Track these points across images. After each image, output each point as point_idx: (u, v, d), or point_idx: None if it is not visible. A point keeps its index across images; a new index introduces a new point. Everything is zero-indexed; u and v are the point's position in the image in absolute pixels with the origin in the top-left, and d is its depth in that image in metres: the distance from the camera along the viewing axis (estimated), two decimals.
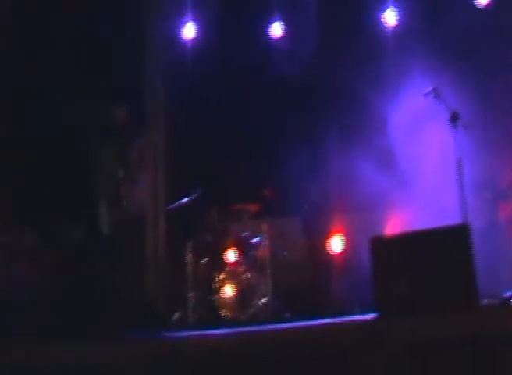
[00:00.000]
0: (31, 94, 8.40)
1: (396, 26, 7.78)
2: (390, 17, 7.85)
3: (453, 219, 5.23)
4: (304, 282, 7.20)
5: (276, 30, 8.58)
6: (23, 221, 6.84)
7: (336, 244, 7.11)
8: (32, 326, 4.80)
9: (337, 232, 7.09)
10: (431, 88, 5.74)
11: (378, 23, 7.85)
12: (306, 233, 7.32)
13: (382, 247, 4.84)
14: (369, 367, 3.71)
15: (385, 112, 6.95)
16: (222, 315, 6.39)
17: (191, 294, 6.62)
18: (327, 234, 7.06)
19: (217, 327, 5.86)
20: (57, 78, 8.65)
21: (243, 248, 6.83)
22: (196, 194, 7.00)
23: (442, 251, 4.51)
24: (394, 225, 6.61)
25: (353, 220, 7.14)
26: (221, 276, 6.57)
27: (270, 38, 8.64)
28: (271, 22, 8.61)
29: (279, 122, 7.59)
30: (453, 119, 5.54)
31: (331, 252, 7.12)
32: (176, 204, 7.14)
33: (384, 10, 7.87)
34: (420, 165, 6.64)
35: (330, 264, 7.00)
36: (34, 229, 6.66)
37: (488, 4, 7.22)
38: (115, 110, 5.59)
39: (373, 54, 7.55)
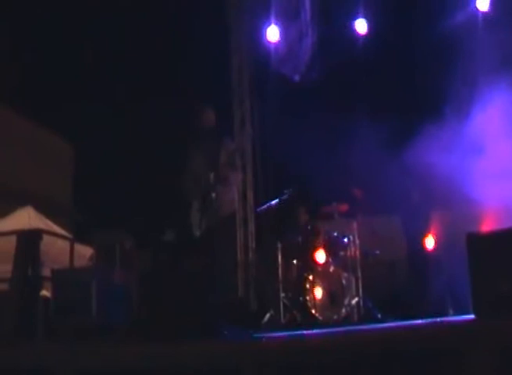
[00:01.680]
0: (128, 99, 8.80)
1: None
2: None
3: None
4: (396, 282, 7.05)
5: (361, 26, 8.58)
6: (121, 225, 7.13)
7: (429, 243, 6.89)
8: (129, 328, 4.96)
9: (432, 230, 6.86)
10: None
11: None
12: (400, 231, 7.13)
13: (480, 244, 4.59)
14: (465, 372, 3.54)
15: (478, 106, 6.69)
16: (314, 315, 6.35)
17: (282, 295, 6.65)
18: (422, 233, 6.84)
19: (309, 328, 5.84)
20: (147, 82, 9.01)
21: (333, 248, 6.77)
22: (285, 196, 6.99)
23: None
24: (490, 221, 6.32)
25: (449, 217, 6.88)
26: (311, 277, 6.54)
27: (355, 35, 8.60)
28: (355, 18, 8.60)
29: (369, 122, 7.47)
30: None
31: (426, 251, 6.89)
32: (265, 205, 7.18)
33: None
34: None
35: (424, 263, 6.77)
36: (131, 232, 6.92)
37: None
38: (204, 113, 5.65)
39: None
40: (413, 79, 7.68)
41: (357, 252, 6.71)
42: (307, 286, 6.49)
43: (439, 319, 5.08)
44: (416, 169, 6.77)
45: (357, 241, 6.73)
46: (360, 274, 6.57)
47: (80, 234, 7.42)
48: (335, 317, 6.27)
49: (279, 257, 6.84)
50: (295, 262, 6.82)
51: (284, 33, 8.81)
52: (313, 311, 6.35)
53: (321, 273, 6.59)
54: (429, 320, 5.03)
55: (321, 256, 6.72)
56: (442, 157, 6.43)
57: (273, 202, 7.07)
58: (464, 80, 6.91)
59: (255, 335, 5.15)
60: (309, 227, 7.07)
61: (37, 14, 9.08)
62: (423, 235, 6.78)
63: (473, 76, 6.91)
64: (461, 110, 6.80)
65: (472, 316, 4.39)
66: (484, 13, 7.88)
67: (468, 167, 6.35)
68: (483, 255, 4.49)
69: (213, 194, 5.48)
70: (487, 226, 6.30)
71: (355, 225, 6.80)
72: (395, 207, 7.03)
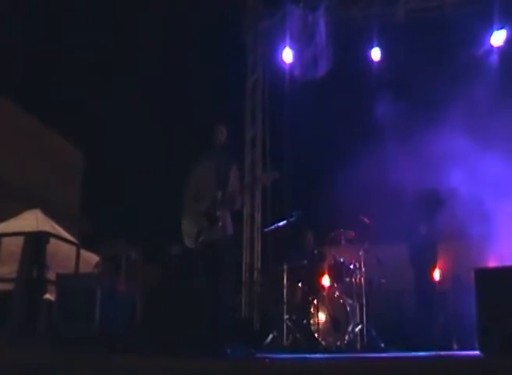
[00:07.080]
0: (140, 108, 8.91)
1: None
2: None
3: None
4: (401, 312, 7.01)
5: (375, 54, 8.74)
6: (128, 238, 7.12)
7: (436, 275, 6.85)
8: (131, 343, 4.90)
9: (439, 262, 6.83)
10: None
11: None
12: (407, 261, 7.08)
13: (488, 279, 4.56)
14: None
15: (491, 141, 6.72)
16: (317, 340, 6.31)
17: (286, 317, 6.61)
18: (429, 264, 6.80)
19: (311, 352, 5.81)
20: (161, 95, 9.12)
21: (339, 274, 6.74)
22: (293, 218, 6.97)
23: None
24: (498, 256, 6.29)
25: (456, 250, 6.86)
26: (316, 301, 6.51)
27: (369, 63, 8.75)
28: (370, 47, 8.75)
29: (380, 150, 7.50)
30: None
31: (433, 282, 6.84)
32: (273, 226, 7.17)
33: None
34: None
35: (430, 295, 6.72)
36: (138, 243, 6.92)
37: None
38: (216, 130, 5.68)
39: None
40: (425, 106, 7.74)
41: (363, 279, 6.69)
42: (312, 310, 6.46)
43: (442, 353, 5.05)
44: (426, 200, 6.78)
45: (363, 268, 6.71)
46: (364, 301, 6.54)
47: (86, 242, 7.40)
48: (338, 343, 6.24)
49: (285, 279, 6.82)
50: (300, 285, 6.80)
51: (299, 55, 8.93)
52: (316, 335, 6.31)
53: (326, 298, 6.55)
54: (433, 353, 5.01)
55: (326, 281, 6.71)
56: (453, 189, 6.45)
57: (281, 223, 7.06)
58: (476, 114, 6.95)
59: (257, 355, 5.12)
60: (315, 251, 7.07)
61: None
62: (430, 266, 6.76)
63: (484, 107, 6.95)
64: (472, 144, 6.82)
65: (477, 353, 4.35)
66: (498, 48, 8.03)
67: (480, 202, 6.35)
68: (491, 291, 4.46)
69: (218, 213, 5.51)
70: (495, 261, 6.28)
71: (361, 252, 6.79)
72: (403, 237, 7.01)
